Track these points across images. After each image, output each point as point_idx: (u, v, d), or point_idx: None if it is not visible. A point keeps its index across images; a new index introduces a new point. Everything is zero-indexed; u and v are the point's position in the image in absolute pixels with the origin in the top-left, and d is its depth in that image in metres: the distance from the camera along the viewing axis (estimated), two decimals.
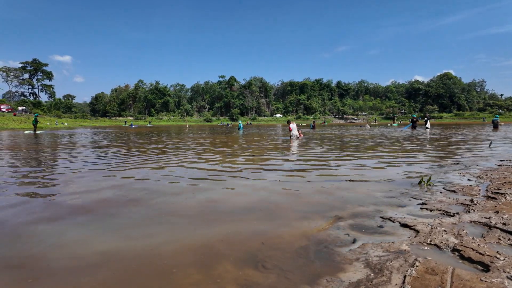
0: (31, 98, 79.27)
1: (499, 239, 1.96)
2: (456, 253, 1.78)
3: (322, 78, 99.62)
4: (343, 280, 1.51)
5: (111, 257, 1.84)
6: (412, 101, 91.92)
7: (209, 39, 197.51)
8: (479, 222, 2.27)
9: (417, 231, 2.12)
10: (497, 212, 2.48)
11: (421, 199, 2.98)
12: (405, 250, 1.83)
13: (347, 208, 2.73)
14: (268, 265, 1.69)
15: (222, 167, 5.32)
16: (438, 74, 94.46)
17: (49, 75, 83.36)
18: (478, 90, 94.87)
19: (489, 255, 1.71)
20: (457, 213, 2.49)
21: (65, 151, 8.55)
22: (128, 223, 2.48)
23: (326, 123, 61.27)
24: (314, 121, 28.32)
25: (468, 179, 3.91)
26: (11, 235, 2.23)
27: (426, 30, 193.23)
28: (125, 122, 62.55)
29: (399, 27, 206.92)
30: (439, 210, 2.60)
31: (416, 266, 1.61)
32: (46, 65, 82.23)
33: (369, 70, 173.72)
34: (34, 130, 23.11)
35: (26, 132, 23.59)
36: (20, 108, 54.28)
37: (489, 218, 2.33)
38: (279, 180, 4.04)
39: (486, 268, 1.59)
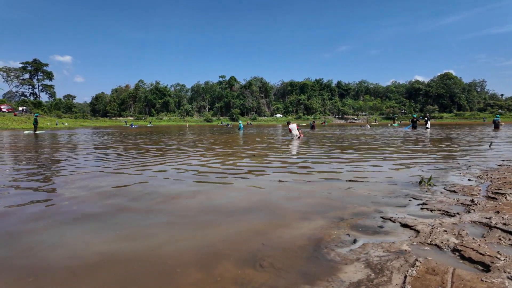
0: (32, 98, 79.35)
1: (500, 239, 1.96)
2: (457, 253, 1.77)
3: (322, 78, 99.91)
4: (344, 280, 1.51)
5: (112, 257, 1.84)
6: (412, 101, 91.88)
7: (209, 39, 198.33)
8: (479, 222, 2.27)
9: (418, 231, 2.12)
10: (498, 212, 2.48)
11: (422, 199, 2.97)
12: (405, 250, 1.83)
13: (347, 208, 2.73)
14: (268, 265, 1.69)
15: (222, 167, 5.32)
16: (439, 74, 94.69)
17: (49, 75, 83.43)
18: (478, 90, 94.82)
19: (489, 255, 1.70)
20: (458, 213, 2.48)
21: (66, 151, 8.55)
22: (128, 223, 2.48)
23: (326, 123, 61.26)
24: (313, 121, 28.25)
25: (469, 179, 3.90)
26: (11, 235, 2.23)
27: (426, 30, 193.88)
28: (126, 122, 62.68)
29: (400, 27, 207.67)
30: (440, 210, 2.60)
31: (417, 266, 1.61)
32: (46, 65, 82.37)
33: (370, 70, 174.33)
34: (35, 130, 23.14)
35: (26, 132, 23.62)
36: (20, 108, 54.31)
37: (489, 218, 2.33)
38: (280, 180, 4.03)
39: (486, 268, 1.59)
